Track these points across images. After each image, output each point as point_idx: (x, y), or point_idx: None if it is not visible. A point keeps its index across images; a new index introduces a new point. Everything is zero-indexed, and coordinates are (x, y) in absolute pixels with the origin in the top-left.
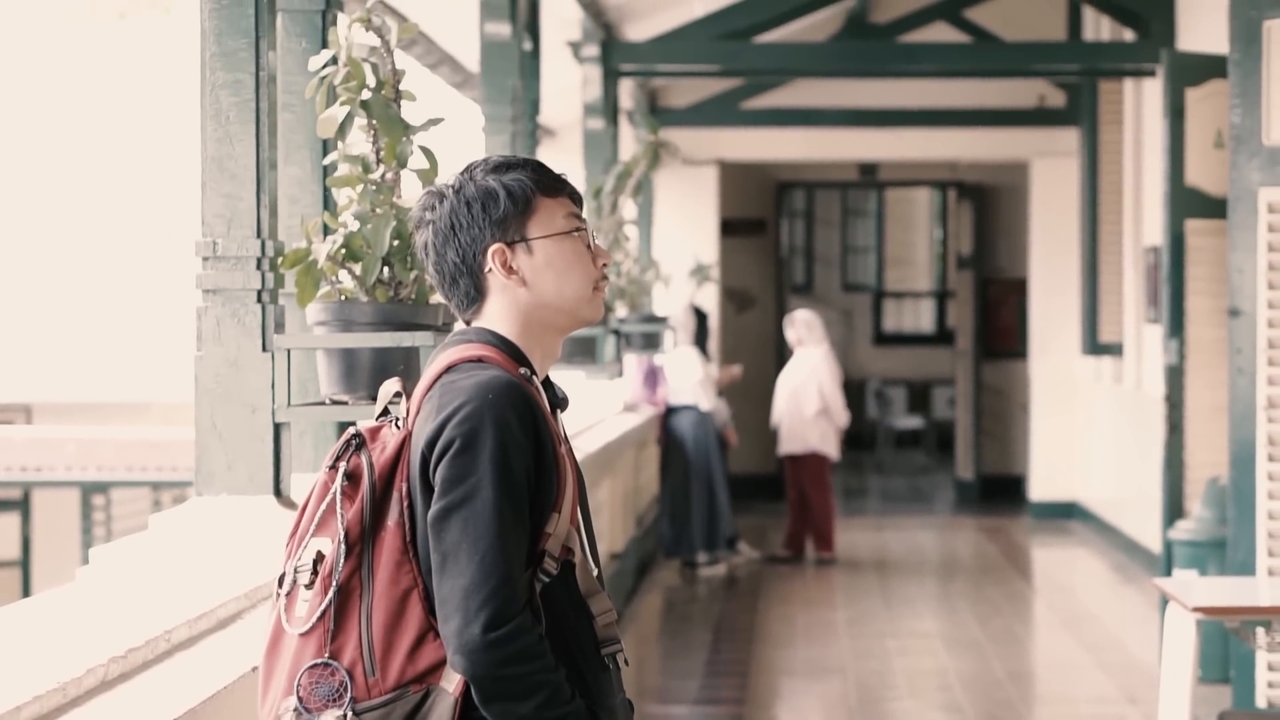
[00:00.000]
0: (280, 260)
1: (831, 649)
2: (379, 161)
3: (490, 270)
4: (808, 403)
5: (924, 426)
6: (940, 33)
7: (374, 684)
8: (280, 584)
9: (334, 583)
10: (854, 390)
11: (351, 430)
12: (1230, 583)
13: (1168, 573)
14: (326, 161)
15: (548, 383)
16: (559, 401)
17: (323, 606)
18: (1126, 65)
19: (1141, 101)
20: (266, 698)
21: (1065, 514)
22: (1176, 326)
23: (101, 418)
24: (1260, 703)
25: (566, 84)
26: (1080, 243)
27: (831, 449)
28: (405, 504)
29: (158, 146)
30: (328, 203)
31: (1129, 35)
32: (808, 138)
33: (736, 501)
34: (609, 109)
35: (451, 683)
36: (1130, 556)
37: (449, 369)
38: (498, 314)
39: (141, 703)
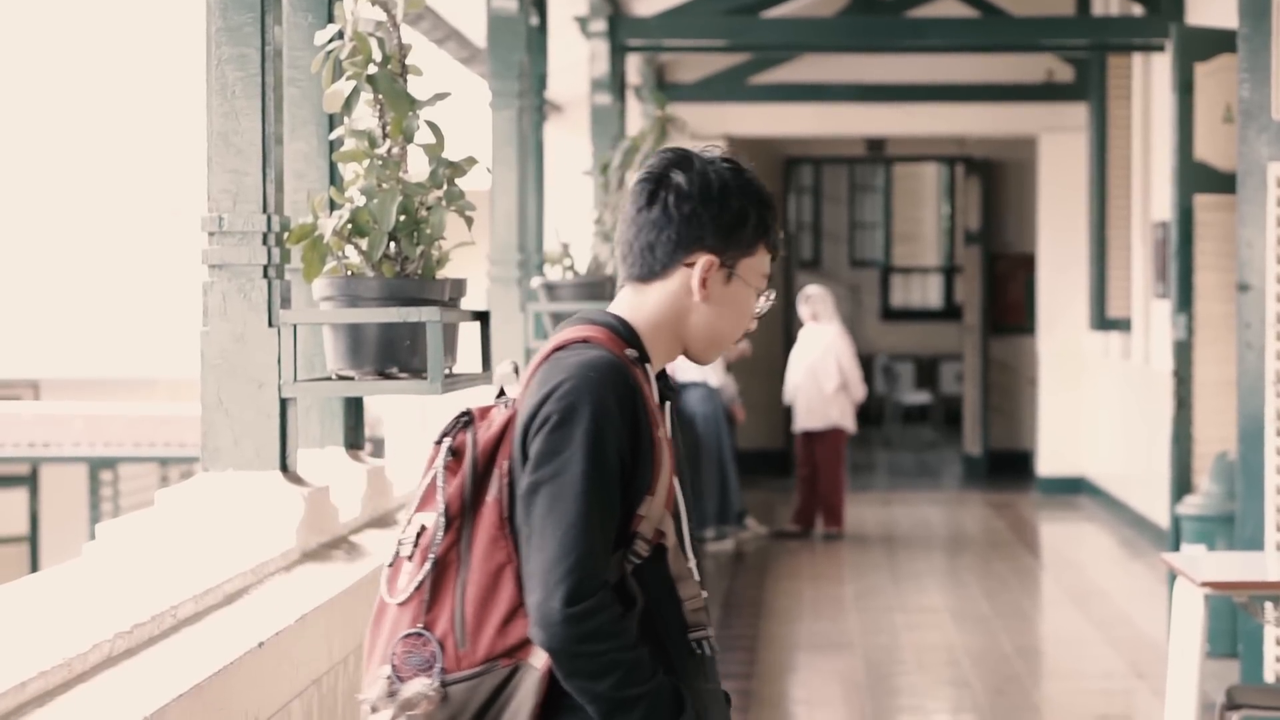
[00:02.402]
0: (286, 235)
1: (839, 624)
2: (385, 136)
3: (687, 267)
4: (827, 378)
5: (932, 402)
6: (948, 7)
7: (464, 656)
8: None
9: (432, 555)
10: (862, 366)
11: (462, 409)
12: (1238, 557)
13: (1176, 548)
14: (332, 136)
15: (661, 375)
16: (668, 393)
17: (420, 578)
18: (1135, 40)
19: (1150, 76)
20: (370, 667)
21: (1073, 489)
22: (1185, 301)
23: (109, 394)
24: (1268, 677)
25: (574, 59)
26: (1088, 218)
27: (849, 423)
28: (505, 480)
29: (164, 121)
30: (334, 178)
31: (1138, 10)
32: (815, 113)
33: (743, 477)
34: (616, 84)
35: (540, 659)
36: (1138, 531)
37: (559, 348)
38: (651, 302)
39: (148, 679)
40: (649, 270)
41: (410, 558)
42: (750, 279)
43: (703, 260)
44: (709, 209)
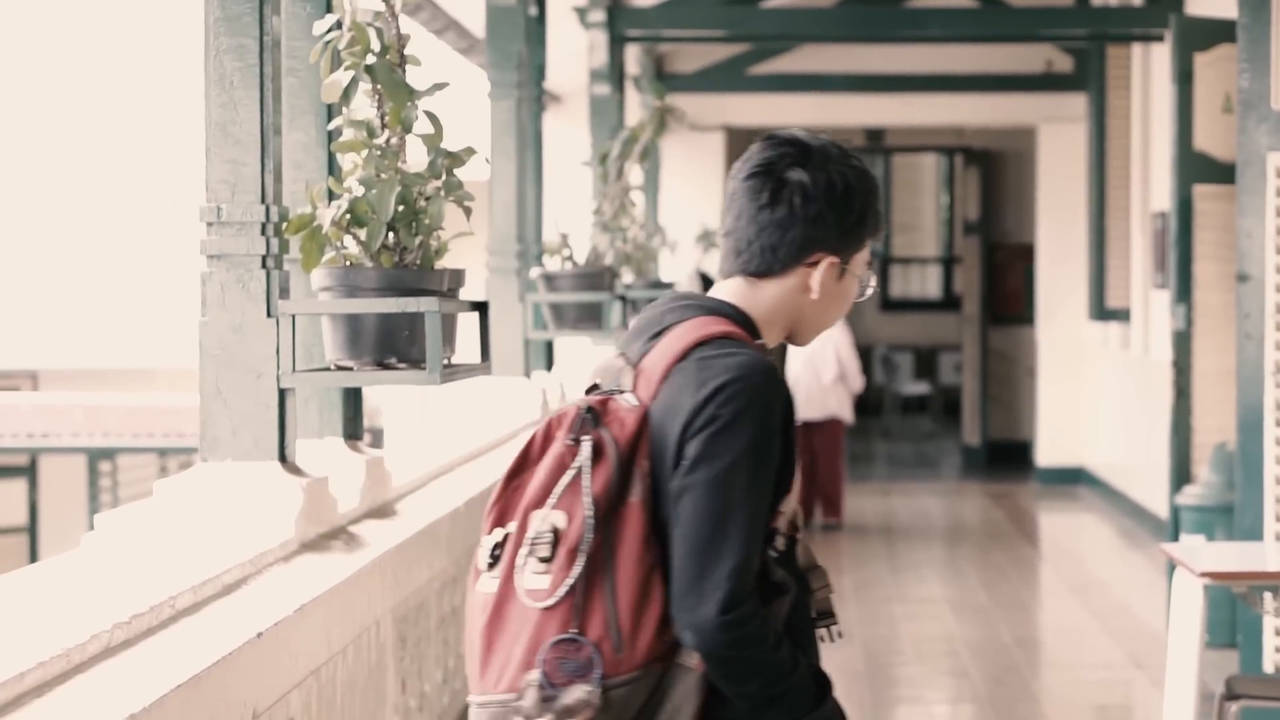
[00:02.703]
0: (285, 226)
1: (838, 614)
2: (384, 126)
3: (807, 267)
4: (825, 369)
5: (931, 392)
6: None
7: (621, 660)
8: (494, 555)
9: (582, 557)
10: (861, 356)
11: (583, 404)
12: (1238, 548)
13: (1175, 538)
14: (331, 126)
15: None
16: None
17: (570, 581)
18: (1134, 30)
19: (1149, 66)
20: (488, 670)
21: (1072, 479)
22: (1184, 292)
23: (108, 384)
24: (1268, 667)
25: (572, 49)
26: (1087, 208)
27: (847, 414)
28: (648, 481)
29: (163, 112)
30: (332, 168)
31: (1137, 0)
32: (814, 103)
33: None
34: (615, 74)
35: (693, 659)
36: (1137, 522)
37: (701, 344)
38: (767, 297)
39: (146, 669)
40: (768, 268)
41: (547, 559)
42: (857, 270)
43: (825, 262)
44: (834, 211)
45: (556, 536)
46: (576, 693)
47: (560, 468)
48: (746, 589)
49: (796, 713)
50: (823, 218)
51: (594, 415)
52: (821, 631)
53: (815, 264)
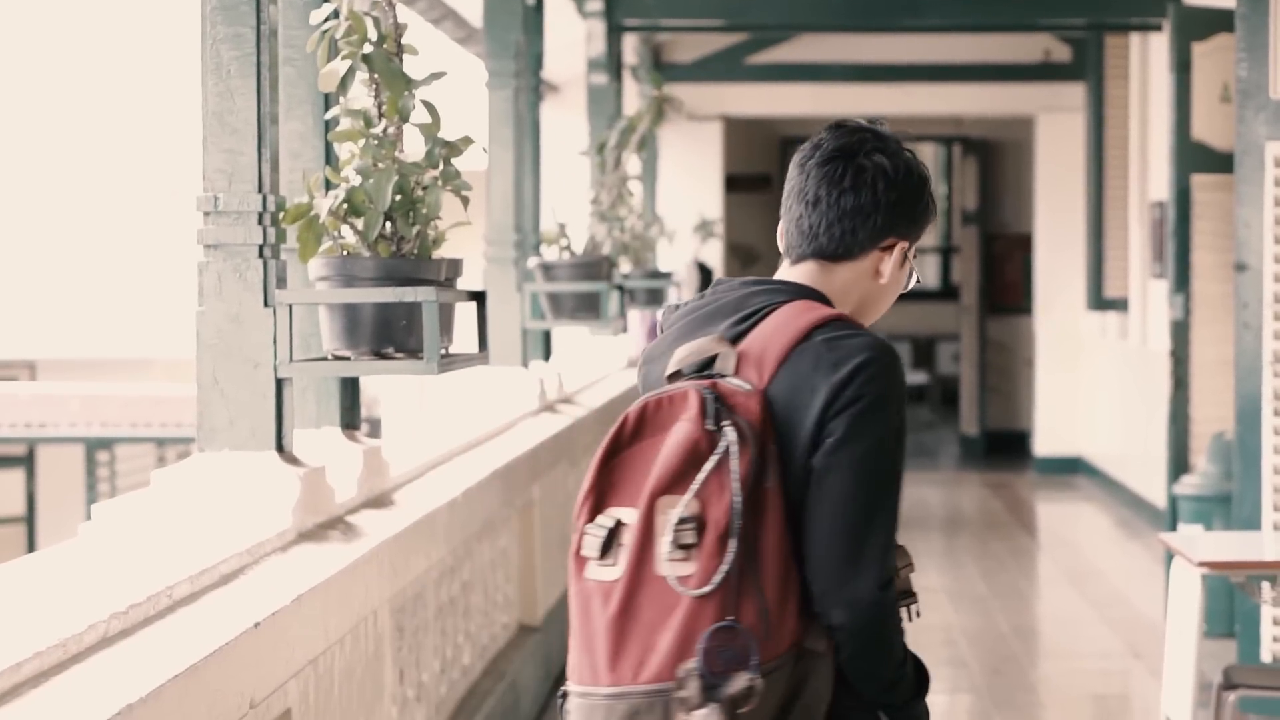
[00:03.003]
0: (282, 215)
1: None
2: (381, 116)
3: (882, 250)
4: None
5: (929, 382)
6: None
7: (770, 646)
8: (610, 543)
9: (734, 544)
10: None
11: (703, 387)
12: (1236, 537)
13: (1173, 528)
14: (328, 116)
15: None
16: None
17: (725, 568)
18: (1132, 19)
19: (1147, 56)
20: (621, 660)
21: (1070, 469)
22: (1182, 281)
23: (105, 374)
24: (1265, 657)
25: (570, 39)
26: (1085, 198)
27: None
28: (777, 463)
29: (160, 102)
30: (329, 157)
31: None
32: (812, 93)
33: None
34: (613, 64)
35: (822, 644)
36: (1135, 512)
37: (820, 325)
38: (840, 280)
39: (144, 660)
40: (847, 251)
41: (691, 545)
42: (912, 255)
43: (899, 247)
44: (909, 198)
45: (700, 523)
46: (741, 681)
47: (691, 452)
48: (893, 565)
49: (906, 697)
50: (901, 203)
51: (719, 399)
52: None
53: (889, 248)
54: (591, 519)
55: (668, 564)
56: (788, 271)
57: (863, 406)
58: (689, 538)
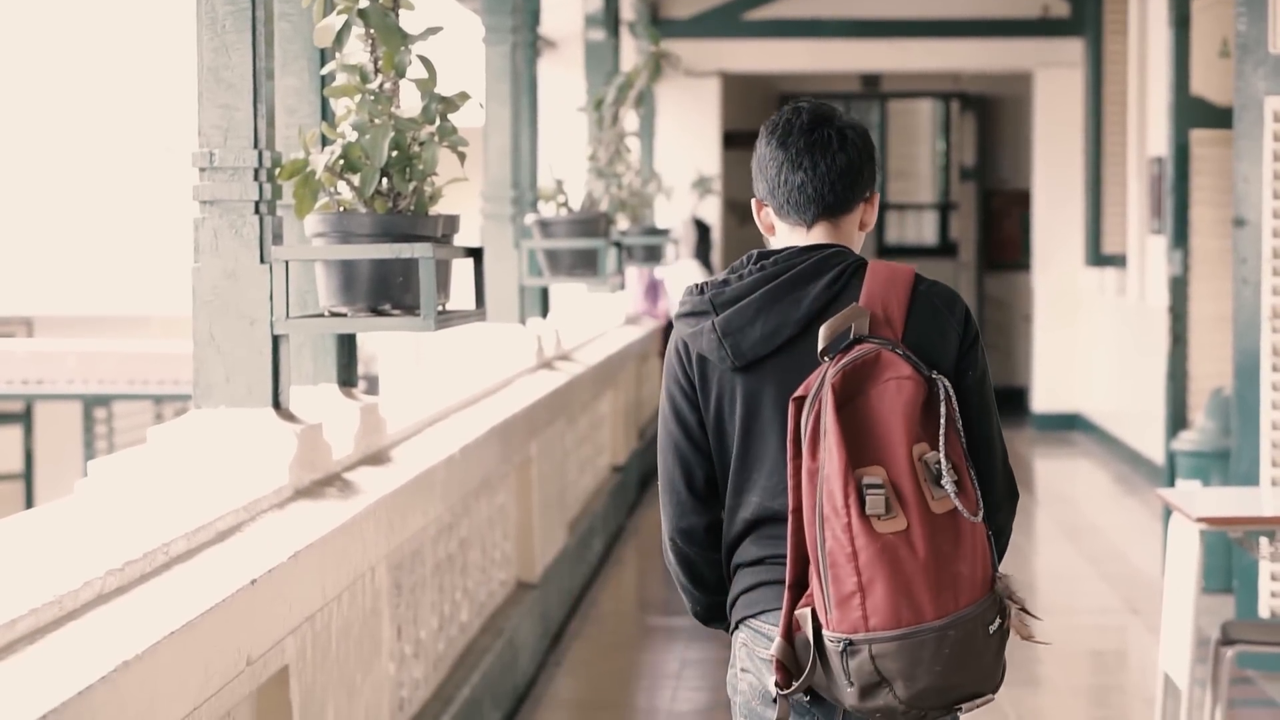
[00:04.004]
0: (278, 171)
1: None
2: (377, 71)
3: (865, 201)
4: None
5: None
6: None
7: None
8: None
9: (972, 473)
10: None
11: (889, 345)
12: (1234, 493)
13: (1171, 483)
14: (324, 71)
15: None
16: None
17: (977, 494)
18: None
19: (1146, 11)
20: (940, 595)
21: (1068, 425)
22: (1180, 237)
23: (102, 331)
24: (1263, 612)
25: None
26: (1084, 154)
27: None
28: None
29: (157, 57)
30: (325, 113)
31: None
32: (810, 49)
33: None
34: (610, 20)
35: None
36: (1133, 467)
37: (915, 277)
38: (844, 233)
39: (139, 616)
40: (848, 206)
41: (959, 481)
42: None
43: (875, 196)
44: (873, 153)
45: (953, 462)
46: (1009, 580)
47: (924, 405)
48: None
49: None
50: (871, 158)
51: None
52: None
53: (869, 199)
54: (853, 483)
55: (950, 501)
56: (808, 235)
57: (975, 336)
58: (955, 476)
